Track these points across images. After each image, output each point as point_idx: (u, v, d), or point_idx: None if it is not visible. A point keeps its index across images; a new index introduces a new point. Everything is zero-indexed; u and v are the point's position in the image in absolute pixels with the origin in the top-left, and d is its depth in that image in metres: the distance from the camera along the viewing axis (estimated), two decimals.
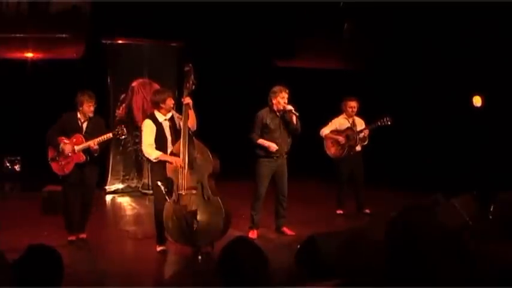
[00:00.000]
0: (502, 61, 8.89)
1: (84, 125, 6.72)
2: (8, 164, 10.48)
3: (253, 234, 7.13)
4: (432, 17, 9.32)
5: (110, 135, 6.67)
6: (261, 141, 7.04)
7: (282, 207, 7.29)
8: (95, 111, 6.75)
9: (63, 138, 6.67)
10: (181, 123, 6.31)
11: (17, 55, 9.83)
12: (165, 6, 9.50)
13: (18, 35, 9.27)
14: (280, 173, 7.17)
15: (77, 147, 6.60)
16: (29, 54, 9.75)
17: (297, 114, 6.98)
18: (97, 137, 6.60)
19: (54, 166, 6.74)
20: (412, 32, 9.80)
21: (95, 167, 6.92)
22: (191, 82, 6.39)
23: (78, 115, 6.70)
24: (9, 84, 9.94)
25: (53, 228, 7.38)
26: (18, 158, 10.46)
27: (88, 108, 6.64)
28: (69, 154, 6.60)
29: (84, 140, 6.62)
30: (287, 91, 7.04)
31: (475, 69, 9.15)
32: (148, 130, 6.38)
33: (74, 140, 6.65)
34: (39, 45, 9.56)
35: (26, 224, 7.69)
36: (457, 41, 9.35)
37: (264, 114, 7.08)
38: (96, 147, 6.58)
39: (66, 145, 6.61)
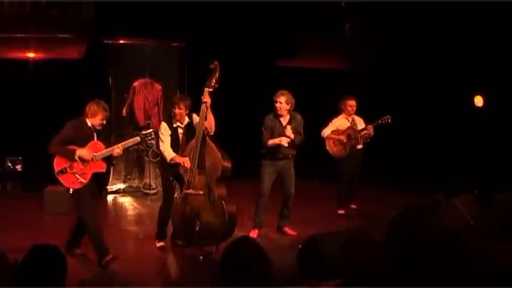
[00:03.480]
0: (504, 61, 8.88)
1: (95, 133, 6.10)
2: (9, 164, 10.48)
3: (253, 234, 7.20)
4: (433, 16, 9.31)
5: (138, 139, 6.27)
6: (270, 141, 7.10)
7: (287, 208, 7.36)
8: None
9: (74, 147, 5.97)
10: (198, 123, 6.29)
11: (19, 55, 9.83)
12: (167, 7, 9.51)
13: (19, 35, 9.27)
14: (285, 175, 7.24)
15: (97, 155, 5.96)
16: (31, 54, 9.75)
17: (291, 138, 7.04)
18: (118, 141, 6.15)
19: (64, 180, 5.97)
20: (413, 32, 9.80)
21: (103, 178, 6.39)
22: (215, 81, 6.26)
23: (89, 123, 6.03)
24: (10, 84, 9.94)
25: (55, 228, 7.40)
26: (20, 158, 10.46)
27: (101, 121, 6.05)
28: (89, 161, 5.92)
29: (103, 146, 6.03)
30: (282, 96, 7.08)
31: (476, 69, 9.15)
32: (163, 133, 6.50)
33: (91, 147, 5.99)
34: (40, 45, 9.56)
35: (27, 224, 7.70)
36: (458, 40, 9.35)
37: (269, 119, 7.19)
38: (121, 152, 6.08)
39: (83, 150, 5.91)
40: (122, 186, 10.36)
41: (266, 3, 9.57)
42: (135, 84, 10.23)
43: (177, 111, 6.47)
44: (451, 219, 5.67)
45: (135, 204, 9.57)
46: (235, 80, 10.32)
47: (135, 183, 10.43)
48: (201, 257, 6.15)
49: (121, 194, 10.22)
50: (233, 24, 10.34)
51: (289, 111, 7.12)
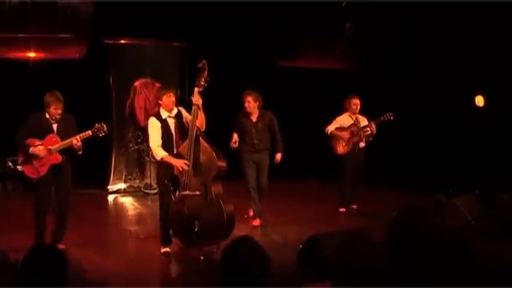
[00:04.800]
0: (505, 61, 8.88)
1: (55, 125, 6.35)
2: (10, 164, 10.48)
3: (256, 223, 7.54)
4: (433, 16, 9.31)
5: (89, 132, 6.30)
6: (234, 137, 7.60)
7: (260, 195, 7.64)
8: (65, 109, 6.37)
9: (34, 140, 6.29)
10: (190, 124, 6.24)
11: (19, 55, 9.82)
12: (167, 6, 9.50)
13: (20, 35, 9.27)
14: (260, 166, 7.59)
15: (53, 148, 6.24)
16: (31, 54, 9.74)
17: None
18: (73, 135, 6.24)
19: (26, 169, 6.36)
20: (413, 32, 9.80)
21: (70, 170, 6.50)
22: (203, 79, 6.21)
23: (47, 115, 6.34)
24: (11, 84, 9.94)
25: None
26: None
27: (55, 111, 6.28)
28: (43, 156, 6.22)
29: (59, 139, 6.27)
30: (249, 96, 7.46)
31: (477, 69, 9.14)
32: (153, 128, 6.34)
33: (48, 140, 6.27)
34: (41, 45, 9.55)
35: (28, 224, 7.68)
36: (459, 40, 9.34)
37: (239, 117, 7.60)
38: (79, 143, 6.21)
39: (36, 148, 6.22)
40: (122, 186, 10.37)
41: (266, 3, 9.57)
42: (136, 84, 10.24)
43: (170, 99, 6.37)
44: (452, 219, 5.68)
45: (135, 204, 9.57)
46: (235, 81, 10.35)
47: (136, 183, 10.44)
48: (202, 257, 6.14)
49: (122, 194, 10.23)
50: (234, 24, 10.33)
51: (258, 108, 7.50)
